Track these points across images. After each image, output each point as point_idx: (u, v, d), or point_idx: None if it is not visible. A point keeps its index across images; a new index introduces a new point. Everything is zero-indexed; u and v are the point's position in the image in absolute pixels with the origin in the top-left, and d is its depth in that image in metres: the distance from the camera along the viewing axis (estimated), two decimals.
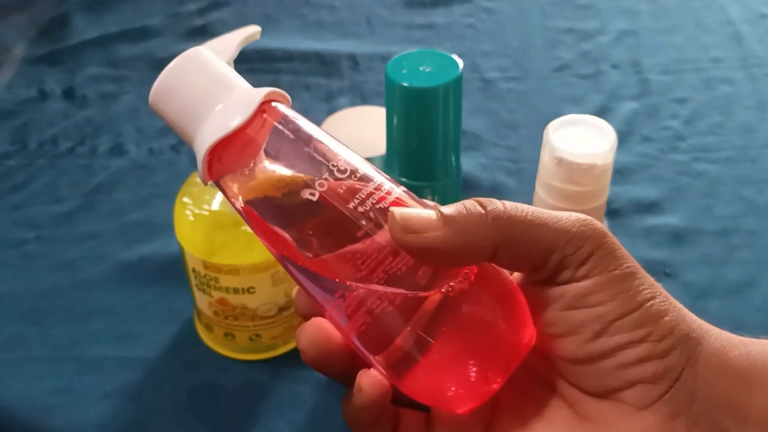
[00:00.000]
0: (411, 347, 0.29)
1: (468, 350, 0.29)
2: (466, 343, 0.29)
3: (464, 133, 0.61)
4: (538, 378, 0.32)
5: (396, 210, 0.29)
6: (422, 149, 0.53)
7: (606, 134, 0.50)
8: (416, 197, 0.31)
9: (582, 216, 0.30)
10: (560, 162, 0.49)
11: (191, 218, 0.52)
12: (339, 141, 0.31)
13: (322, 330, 0.30)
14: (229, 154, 0.30)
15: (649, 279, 0.30)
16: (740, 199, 0.69)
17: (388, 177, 0.31)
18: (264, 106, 0.31)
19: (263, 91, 0.31)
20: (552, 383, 0.31)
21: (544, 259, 0.29)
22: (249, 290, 0.52)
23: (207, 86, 0.31)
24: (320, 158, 0.30)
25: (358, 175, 0.30)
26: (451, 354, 0.29)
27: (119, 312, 0.60)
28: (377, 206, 0.29)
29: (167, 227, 0.56)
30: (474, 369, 0.29)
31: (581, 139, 0.49)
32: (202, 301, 0.55)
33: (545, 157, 0.50)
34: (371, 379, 0.30)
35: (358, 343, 0.30)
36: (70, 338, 0.58)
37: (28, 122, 0.79)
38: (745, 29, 0.89)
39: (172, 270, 0.61)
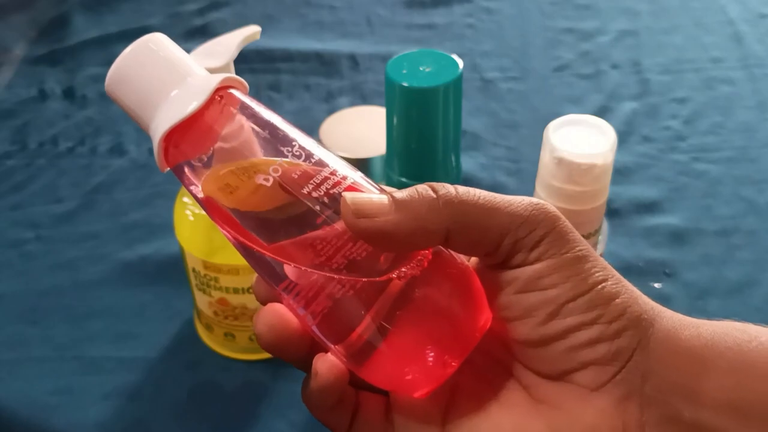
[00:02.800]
0: (367, 333, 0.29)
1: (423, 335, 0.29)
2: (422, 327, 0.29)
3: (464, 133, 0.61)
4: (495, 362, 0.32)
5: (348, 194, 0.29)
6: (422, 149, 0.53)
7: (606, 134, 0.50)
8: (374, 183, 0.31)
9: (534, 200, 0.30)
10: (560, 162, 0.49)
11: (191, 218, 0.52)
12: (295, 127, 0.31)
13: (279, 315, 0.31)
14: (186, 141, 0.30)
15: (602, 262, 0.30)
16: (740, 199, 0.69)
17: (345, 163, 0.31)
18: (221, 92, 0.30)
19: (219, 77, 0.30)
20: (508, 367, 0.32)
21: (497, 243, 0.29)
22: (249, 290, 0.52)
23: (162, 72, 0.30)
24: (276, 144, 0.30)
25: (313, 161, 0.30)
26: (406, 339, 0.29)
27: (119, 312, 0.60)
28: (332, 191, 0.29)
29: (167, 227, 0.56)
30: (430, 353, 0.29)
31: (581, 139, 0.49)
32: (202, 301, 0.55)
33: (545, 157, 0.50)
34: (326, 362, 0.30)
35: (315, 330, 0.30)
36: (70, 338, 0.58)
37: (28, 122, 0.79)
38: (745, 29, 0.89)
39: (172, 270, 0.61)
